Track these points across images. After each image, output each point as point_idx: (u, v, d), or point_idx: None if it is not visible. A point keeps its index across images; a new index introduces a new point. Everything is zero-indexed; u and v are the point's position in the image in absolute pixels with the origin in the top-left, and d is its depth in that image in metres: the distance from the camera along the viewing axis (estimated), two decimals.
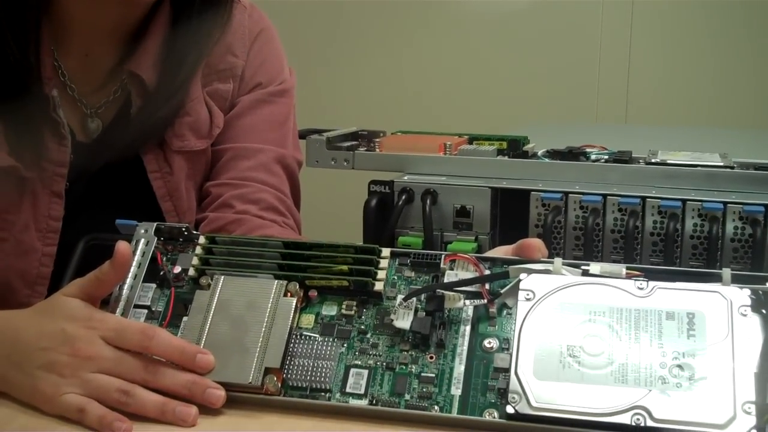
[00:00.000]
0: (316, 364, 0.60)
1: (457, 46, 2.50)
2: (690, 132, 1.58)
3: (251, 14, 0.92)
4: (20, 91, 0.77)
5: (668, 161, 0.76)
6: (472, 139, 0.89)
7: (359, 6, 2.55)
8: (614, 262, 0.73)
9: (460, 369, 0.58)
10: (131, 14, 0.84)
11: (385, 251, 0.64)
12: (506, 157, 0.83)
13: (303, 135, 0.92)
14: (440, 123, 2.29)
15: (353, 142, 0.91)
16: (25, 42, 0.77)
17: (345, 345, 0.61)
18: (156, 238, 0.67)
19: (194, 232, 0.67)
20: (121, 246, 0.62)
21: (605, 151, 0.83)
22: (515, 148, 0.86)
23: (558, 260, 0.60)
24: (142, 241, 0.67)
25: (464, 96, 2.48)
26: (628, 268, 0.59)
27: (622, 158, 0.79)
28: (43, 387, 0.59)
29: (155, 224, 0.67)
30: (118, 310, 0.64)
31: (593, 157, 0.81)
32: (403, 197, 0.78)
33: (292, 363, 0.60)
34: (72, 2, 0.81)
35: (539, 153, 0.84)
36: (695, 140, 1.38)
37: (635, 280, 0.58)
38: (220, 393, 0.58)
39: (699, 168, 0.74)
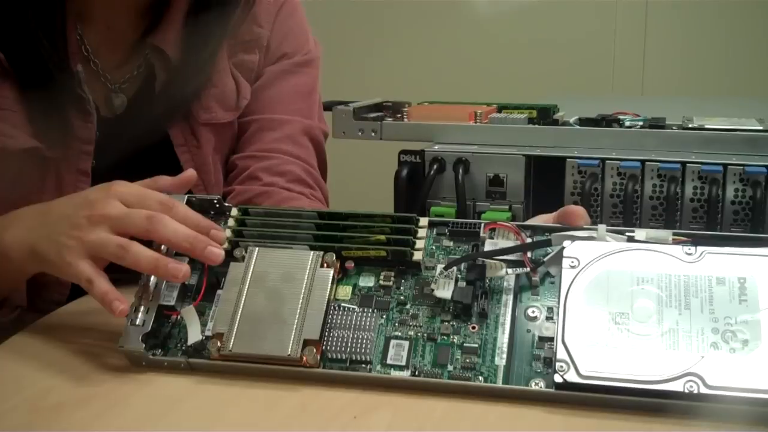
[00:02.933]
0: (355, 336, 0.59)
1: (470, 21, 2.48)
2: (714, 101, 1.55)
3: None
4: (46, 67, 0.75)
5: (707, 126, 0.74)
6: (500, 108, 0.88)
7: None
8: (653, 228, 0.71)
9: (503, 339, 0.57)
10: None
11: (423, 221, 0.62)
12: (538, 125, 0.82)
13: (327, 107, 0.91)
14: (457, 95, 2.27)
15: (379, 113, 0.89)
16: (50, 17, 0.75)
17: (384, 316, 0.59)
18: (192, 202, 0.66)
19: (226, 204, 0.66)
20: (191, 171, 0.67)
21: (639, 118, 0.81)
22: (545, 116, 0.85)
23: (602, 227, 0.58)
24: None
25: (478, 69, 2.46)
26: (674, 234, 0.58)
27: (657, 124, 0.77)
28: (63, 253, 0.62)
29: (186, 197, 0.66)
30: (151, 282, 0.63)
31: (627, 123, 0.79)
32: (435, 167, 0.76)
33: (331, 335, 0.59)
34: None
35: (571, 121, 0.82)
36: (723, 108, 1.36)
37: (683, 245, 0.57)
38: (220, 252, 0.61)
39: (739, 132, 0.73)
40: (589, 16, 2.37)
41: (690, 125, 0.75)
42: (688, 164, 0.69)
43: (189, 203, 0.66)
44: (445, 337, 0.58)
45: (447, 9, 2.49)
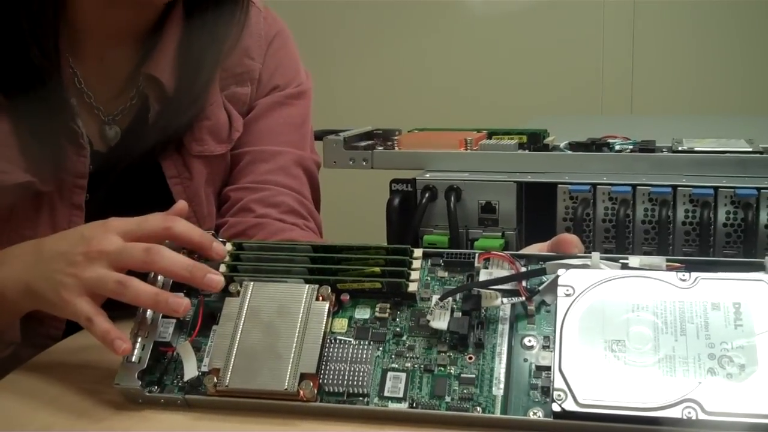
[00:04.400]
0: (352, 369, 0.59)
1: (460, 44, 2.50)
2: (699, 122, 1.57)
3: (266, 17, 0.91)
4: (40, 100, 0.75)
5: (696, 149, 0.75)
6: (491, 134, 0.88)
7: (364, 6, 2.54)
8: (646, 253, 0.72)
9: (500, 369, 0.57)
10: (144, 16, 0.83)
11: (417, 251, 0.62)
12: (528, 151, 0.82)
13: (318, 136, 0.91)
14: (448, 121, 2.28)
15: (369, 142, 0.89)
16: (44, 50, 0.76)
17: (381, 348, 0.59)
18: (182, 249, 0.65)
19: (220, 238, 0.66)
20: (182, 202, 0.67)
21: (628, 142, 0.82)
22: (536, 141, 0.85)
23: (596, 254, 0.59)
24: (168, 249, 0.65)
25: (469, 94, 2.48)
26: (668, 260, 0.58)
27: (647, 147, 0.77)
28: (61, 291, 0.62)
29: None
30: (148, 317, 0.62)
31: (617, 147, 0.80)
32: (427, 195, 0.76)
33: (328, 368, 0.59)
34: (85, 6, 0.79)
35: (561, 146, 0.83)
36: (711, 128, 1.37)
37: (677, 272, 0.57)
38: (220, 278, 0.61)
39: (729, 155, 0.73)
40: (578, 37, 2.40)
41: (680, 148, 0.76)
42: (679, 188, 0.70)
43: None
44: (442, 368, 0.58)
45: (435, 31, 2.51)
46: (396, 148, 0.85)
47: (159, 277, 0.63)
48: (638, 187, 0.71)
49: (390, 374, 0.58)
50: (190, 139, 0.84)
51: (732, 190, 0.69)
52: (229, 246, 0.65)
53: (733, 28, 2.30)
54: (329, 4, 2.53)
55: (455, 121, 2.31)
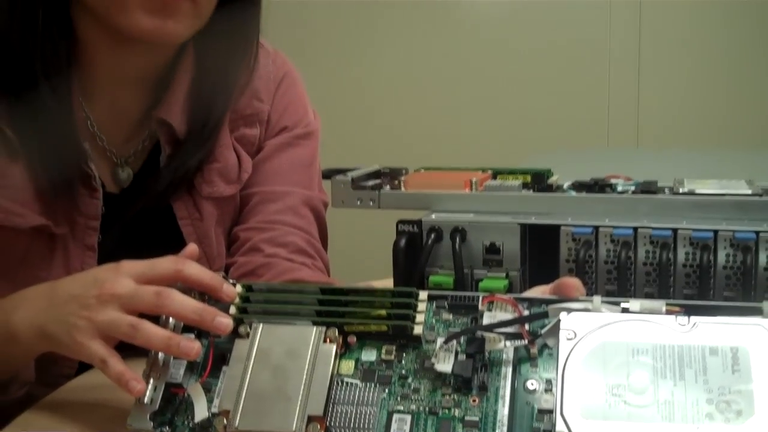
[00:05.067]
0: (358, 411, 0.60)
1: (467, 74, 2.52)
2: (704, 155, 1.58)
3: (275, 59, 0.93)
4: (53, 144, 0.78)
5: (697, 191, 0.76)
6: (495, 174, 0.90)
7: (367, 36, 2.58)
8: (648, 294, 0.73)
9: (503, 411, 0.58)
10: (156, 59, 0.85)
11: (423, 294, 0.64)
12: (532, 191, 0.83)
13: (326, 175, 0.93)
14: (455, 155, 2.31)
15: (377, 181, 0.91)
16: (57, 93, 0.78)
17: (386, 390, 0.61)
18: (192, 291, 0.67)
19: (231, 280, 0.67)
20: (192, 245, 0.68)
21: (631, 182, 0.83)
22: (540, 181, 0.86)
23: (597, 298, 0.60)
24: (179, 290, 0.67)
25: (477, 125, 2.50)
26: (667, 304, 0.59)
27: (649, 189, 0.79)
28: (74, 333, 0.63)
29: None
30: (160, 359, 0.64)
31: (620, 188, 0.81)
32: (432, 236, 0.78)
33: (335, 410, 0.60)
34: (98, 52, 0.82)
35: (565, 186, 0.84)
36: (712, 164, 1.39)
37: (676, 316, 0.58)
38: (229, 321, 0.63)
39: (729, 197, 0.74)
40: (583, 69, 2.42)
41: (681, 190, 0.77)
42: (679, 230, 0.71)
43: None
44: (447, 411, 0.59)
45: (440, 62, 2.54)
46: (402, 188, 0.86)
47: (170, 319, 0.65)
48: (639, 229, 0.72)
49: (396, 416, 0.59)
50: (201, 181, 0.86)
51: (731, 232, 0.70)
52: (238, 288, 0.67)
53: (742, 60, 2.31)
54: (337, 38, 2.57)
55: (462, 151, 2.34)
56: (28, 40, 0.77)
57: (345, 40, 2.56)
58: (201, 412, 0.61)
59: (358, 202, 0.85)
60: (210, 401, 0.62)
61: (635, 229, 0.72)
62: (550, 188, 0.85)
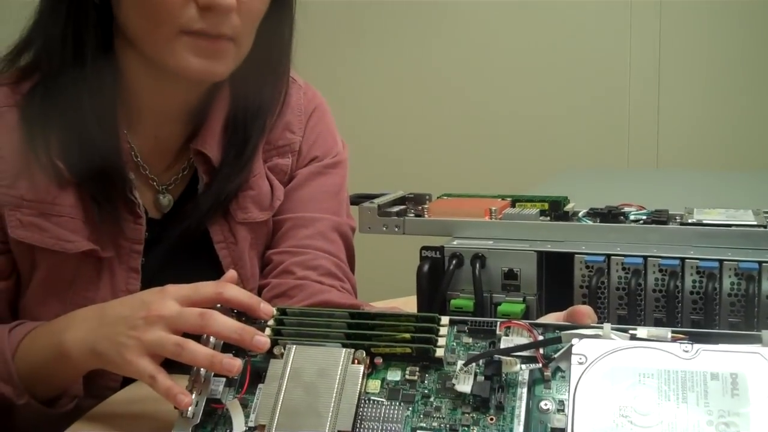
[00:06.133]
0: (384, 427, 0.65)
1: (493, 97, 2.57)
2: (720, 178, 1.61)
3: (306, 92, 0.98)
4: (101, 175, 0.83)
5: (704, 221, 0.81)
6: (514, 202, 0.94)
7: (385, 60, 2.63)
8: (656, 320, 0.77)
9: (519, 429, 0.62)
10: (195, 95, 0.91)
11: (444, 319, 0.69)
12: (549, 218, 0.88)
13: (354, 201, 0.98)
14: (479, 176, 2.36)
15: (401, 207, 0.96)
16: (106, 128, 0.84)
17: (410, 408, 0.65)
18: (231, 311, 0.72)
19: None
20: (231, 272, 0.73)
21: (643, 211, 0.87)
22: (556, 208, 0.91)
23: (607, 326, 0.64)
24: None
25: (499, 148, 2.54)
26: (673, 332, 0.63)
27: (659, 219, 0.83)
28: (124, 352, 0.69)
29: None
30: (201, 375, 0.69)
31: (632, 217, 0.86)
32: (454, 262, 0.82)
33: (362, 426, 0.65)
34: (141, 87, 0.88)
35: (580, 214, 0.89)
36: (726, 188, 1.42)
37: (680, 343, 0.62)
38: (266, 340, 0.67)
39: (734, 228, 0.79)
40: (605, 90, 2.45)
41: (689, 220, 0.82)
42: (686, 260, 0.76)
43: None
44: (466, 428, 0.63)
45: (464, 84, 2.59)
46: (426, 215, 0.91)
47: (211, 338, 0.70)
48: (649, 258, 0.77)
49: None
50: (236, 207, 0.91)
51: (736, 262, 0.74)
52: (274, 311, 0.72)
53: (764, 82, 2.33)
54: (364, 65, 2.63)
55: (486, 172, 2.38)
56: (77, 76, 0.83)
57: (371, 67, 2.62)
58: (239, 426, 0.66)
59: (384, 228, 0.90)
60: (247, 416, 0.67)
61: (645, 258, 0.77)
62: (566, 216, 0.90)
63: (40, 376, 0.76)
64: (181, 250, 0.90)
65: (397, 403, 0.66)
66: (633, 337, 0.64)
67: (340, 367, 0.67)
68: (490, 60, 2.54)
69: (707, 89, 2.38)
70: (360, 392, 0.66)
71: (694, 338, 0.63)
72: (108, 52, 0.85)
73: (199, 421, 0.67)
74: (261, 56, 0.90)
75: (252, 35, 0.87)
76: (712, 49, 2.37)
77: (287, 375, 0.67)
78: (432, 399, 0.66)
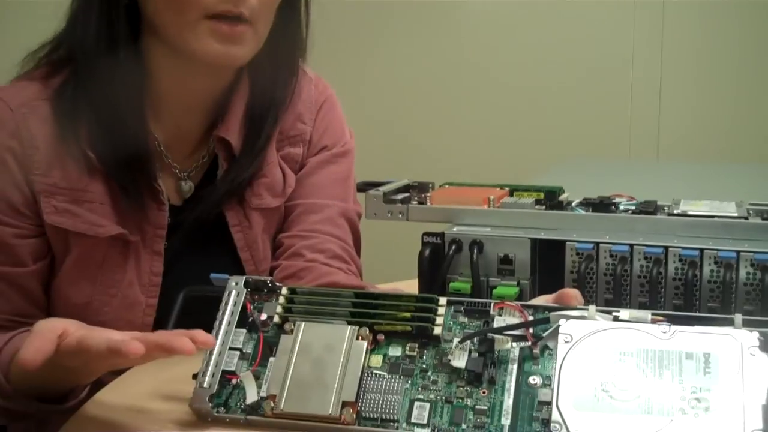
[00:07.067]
0: (385, 398, 0.70)
1: (492, 87, 2.61)
2: (717, 170, 1.66)
3: (317, 85, 1.04)
4: (128, 164, 0.89)
5: (688, 212, 0.86)
6: (512, 191, 0.99)
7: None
8: (641, 303, 0.82)
9: (508, 402, 0.68)
10: (216, 86, 0.96)
11: (442, 300, 0.74)
12: (544, 207, 0.93)
13: (360, 188, 1.03)
14: (482, 165, 2.40)
15: (406, 194, 1.01)
16: (133, 120, 0.89)
17: (409, 382, 0.71)
18: (245, 290, 0.78)
19: (277, 284, 0.78)
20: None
21: (633, 202, 0.92)
22: (551, 198, 0.96)
23: (592, 308, 0.70)
24: (234, 292, 0.78)
25: (502, 137, 2.58)
26: (653, 314, 0.69)
27: (647, 210, 0.88)
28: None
29: (244, 278, 0.78)
30: (215, 351, 0.75)
31: (622, 207, 0.91)
32: (453, 247, 0.88)
33: (365, 397, 0.71)
34: (167, 80, 0.93)
35: (573, 204, 0.94)
36: (721, 179, 1.47)
37: (659, 324, 0.68)
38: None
39: (716, 219, 0.84)
40: (607, 83, 2.49)
41: (675, 211, 0.87)
42: (670, 248, 0.81)
43: (246, 283, 0.78)
44: (460, 400, 0.69)
45: (468, 76, 2.63)
46: (428, 202, 0.97)
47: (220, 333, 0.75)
48: (635, 246, 0.82)
49: (416, 404, 0.70)
50: (250, 194, 0.97)
51: (715, 251, 0.79)
52: (284, 290, 0.77)
53: (764, 74, 2.36)
54: (373, 60, 2.67)
55: (489, 161, 2.43)
56: (108, 71, 0.88)
57: (381, 64, 2.66)
58: (251, 396, 0.72)
59: (389, 215, 0.96)
60: (259, 387, 0.72)
61: (631, 246, 0.82)
62: (560, 205, 0.95)
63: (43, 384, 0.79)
64: (200, 234, 0.96)
65: (398, 377, 0.71)
66: (616, 319, 0.69)
67: (346, 343, 0.72)
68: (494, 54, 2.58)
69: (709, 83, 2.41)
70: (363, 366, 0.72)
71: (673, 320, 0.68)
72: (137, 47, 0.90)
73: (214, 390, 0.73)
74: (276, 52, 0.95)
75: (269, 22, 0.92)
76: (714, 44, 2.40)
77: (296, 349, 0.73)
78: (429, 373, 0.71)
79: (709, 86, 2.41)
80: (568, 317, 0.69)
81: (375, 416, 0.69)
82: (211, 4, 0.86)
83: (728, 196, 0.94)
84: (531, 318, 0.72)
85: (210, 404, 0.72)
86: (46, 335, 0.68)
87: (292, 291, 0.78)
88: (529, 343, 0.70)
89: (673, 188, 1.48)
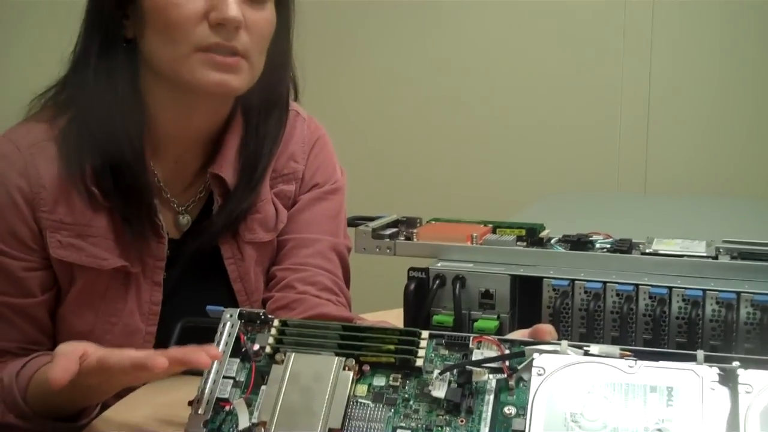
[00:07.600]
0: (369, 426, 0.74)
1: (488, 115, 2.66)
2: (709, 202, 1.71)
3: (309, 125, 1.09)
4: (129, 200, 0.94)
5: (659, 251, 0.91)
6: (495, 228, 1.04)
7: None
8: (614, 338, 0.87)
9: (485, 431, 0.72)
10: (213, 121, 1.01)
11: (424, 333, 0.78)
12: (525, 244, 0.98)
13: (351, 223, 1.08)
14: (469, 197, 2.45)
15: (394, 230, 1.06)
16: (135, 159, 0.94)
17: (392, 410, 0.75)
18: (239, 321, 0.83)
19: (269, 316, 0.82)
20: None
21: (608, 240, 0.97)
22: (533, 235, 1.01)
23: (564, 342, 0.74)
24: (228, 323, 0.82)
25: (490, 169, 2.63)
26: (621, 349, 0.73)
27: (621, 248, 0.93)
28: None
29: (238, 310, 0.83)
30: (210, 379, 0.79)
31: (598, 245, 0.96)
32: (437, 282, 0.92)
33: (350, 425, 0.75)
34: (166, 118, 0.98)
35: (552, 241, 0.99)
36: (702, 213, 1.52)
37: (626, 359, 0.72)
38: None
39: (684, 258, 0.89)
40: (596, 114, 2.54)
41: (647, 250, 0.92)
42: (640, 286, 0.86)
43: (240, 315, 0.82)
44: (440, 428, 0.73)
45: (456, 106, 2.68)
46: (415, 238, 1.01)
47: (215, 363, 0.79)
48: (608, 283, 0.87)
49: (399, 431, 0.74)
50: (244, 229, 1.01)
51: (683, 289, 0.84)
52: (276, 322, 0.82)
53: (753, 108, 2.39)
54: (362, 90, 2.73)
55: (476, 193, 2.47)
56: (109, 111, 0.93)
57: (368, 91, 2.72)
58: (243, 422, 0.76)
59: (377, 250, 1.00)
60: (251, 413, 0.76)
61: (604, 283, 0.87)
62: (540, 242, 1.00)
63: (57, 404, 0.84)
64: (197, 265, 1.00)
65: (381, 406, 0.75)
66: (587, 353, 0.74)
67: (333, 373, 0.77)
68: (483, 88, 2.62)
69: (697, 114, 2.46)
70: (349, 395, 0.76)
71: (640, 356, 0.72)
72: (136, 86, 0.95)
73: (209, 417, 0.77)
74: (267, 87, 1.00)
75: (262, 56, 0.96)
76: (702, 78, 2.44)
77: (286, 379, 0.77)
78: (411, 402, 0.75)
79: (698, 120, 2.45)
80: (541, 351, 0.74)
81: None
82: (203, 37, 0.90)
83: (715, 230, 0.99)
84: (507, 351, 0.76)
85: (204, 429, 0.76)
86: (70, 356, 0.72)
87: (283, 323, 0.82)
88: (505, 375, 0.74)
89: (662, 220, 1.53)
